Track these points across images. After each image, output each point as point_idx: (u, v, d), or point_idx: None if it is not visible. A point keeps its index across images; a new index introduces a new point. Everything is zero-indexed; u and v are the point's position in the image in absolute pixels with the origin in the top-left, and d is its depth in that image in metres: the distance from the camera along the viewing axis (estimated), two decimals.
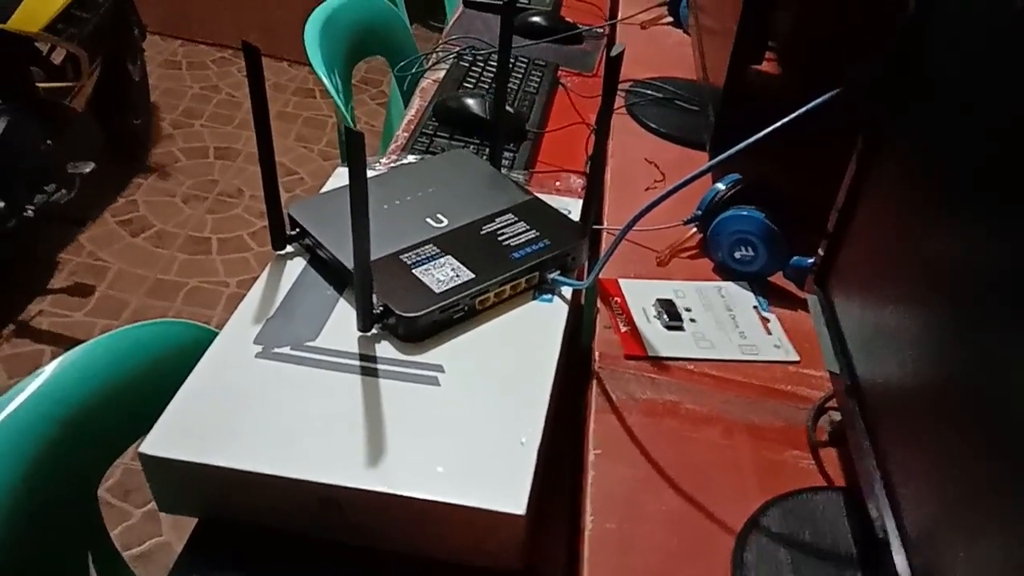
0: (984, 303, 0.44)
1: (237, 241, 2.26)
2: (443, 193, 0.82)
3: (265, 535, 0.60)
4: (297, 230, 0.78)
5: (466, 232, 0.77)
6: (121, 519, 1.54)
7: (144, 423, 0.60)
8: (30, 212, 1.83)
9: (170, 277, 2.12)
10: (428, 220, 0.78)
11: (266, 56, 3.18)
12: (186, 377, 0.64)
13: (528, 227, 0.77)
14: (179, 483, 0.60)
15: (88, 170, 1.98)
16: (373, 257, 0.67)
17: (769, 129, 0.59)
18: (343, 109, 1.23)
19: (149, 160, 2.53)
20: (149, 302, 2.03)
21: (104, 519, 0.75)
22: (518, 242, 0.75)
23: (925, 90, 0.56)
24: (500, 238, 0.76)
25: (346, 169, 0.66)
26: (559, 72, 1.33)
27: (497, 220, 0.78)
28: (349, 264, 0.66)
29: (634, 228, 0.88)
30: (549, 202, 0.82)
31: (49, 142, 1.92)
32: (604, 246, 0.91)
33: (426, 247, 0.74)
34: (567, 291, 0.75)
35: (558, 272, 0.75)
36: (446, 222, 0.77)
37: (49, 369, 0.66)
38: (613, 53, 0.67)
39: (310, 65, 1.24)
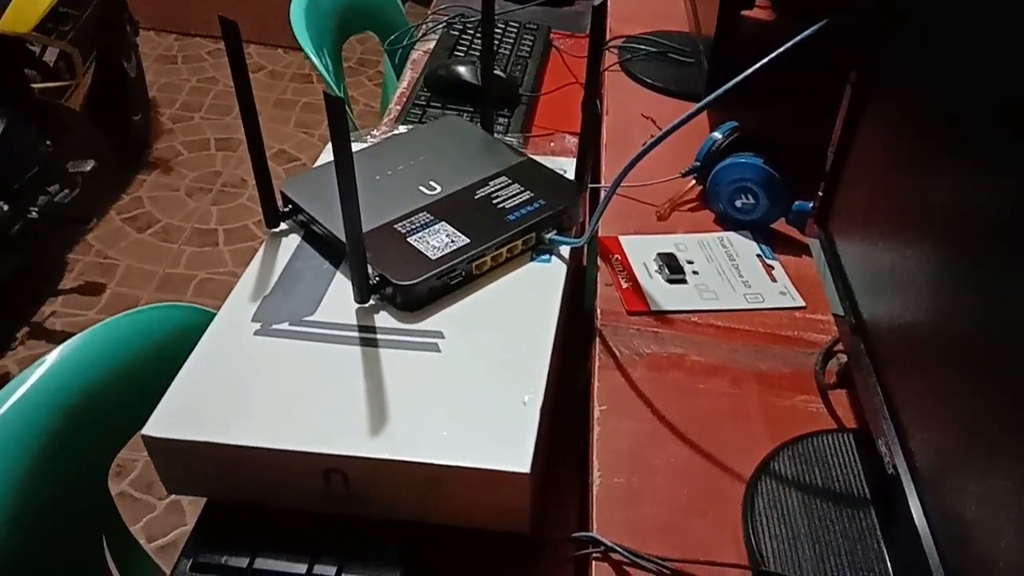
0: (985, 237, 0.43)
1: (243, 231, 2.26)
2: (435, 160, 0.81)
3: (271, 514, 0.60)
4: (290, 207, 0.77)
5: (460, 197, 0.76)
6: (145, 511, 1.55)
7: (150, 407, 0.60)
8: (34, 214, 1.83)
9: (179, 271, 2.13)
10: (421, 188, 0.77)
11: (260, 44, 3.16)
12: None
13: (522, 188, 0.76)
14: (184, 463, 0.60)
15: (89, 168, 1.98)
16: (367, 228, 0.66)
17: (756, 66, 0.58)
18: (332, 85, 1.22)
19: (151, 156, 2.53)
20: (159, 297, 2.04)
21: (128, 513, 0.76)
22: (513, 204, 0.75)
23: (917, 19, 0.54)
24: (495, 201, 0.75)
25: None
26: (551, 34, 1.31)
27: (491, 183, 0.77)
28: (343, 237, 0.65)
29: (633, 183, 0.87)
30: (544, 162, 0.81)
31: (48, 143, 1.92)
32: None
33: (420, 215, 0.73)
34: (565, 250, 0.74)
35: (555, 232, 0.74)
36: (439, 189, 0.77)
37: (50, 358, 0.66)
38: (596, 2, 0.66)
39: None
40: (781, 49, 0.56)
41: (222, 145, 2.59)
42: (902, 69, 0.56)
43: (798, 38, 0.56)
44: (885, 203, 0.58)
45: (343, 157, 0.58)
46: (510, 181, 0.77)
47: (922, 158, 0.52)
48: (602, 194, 0.91)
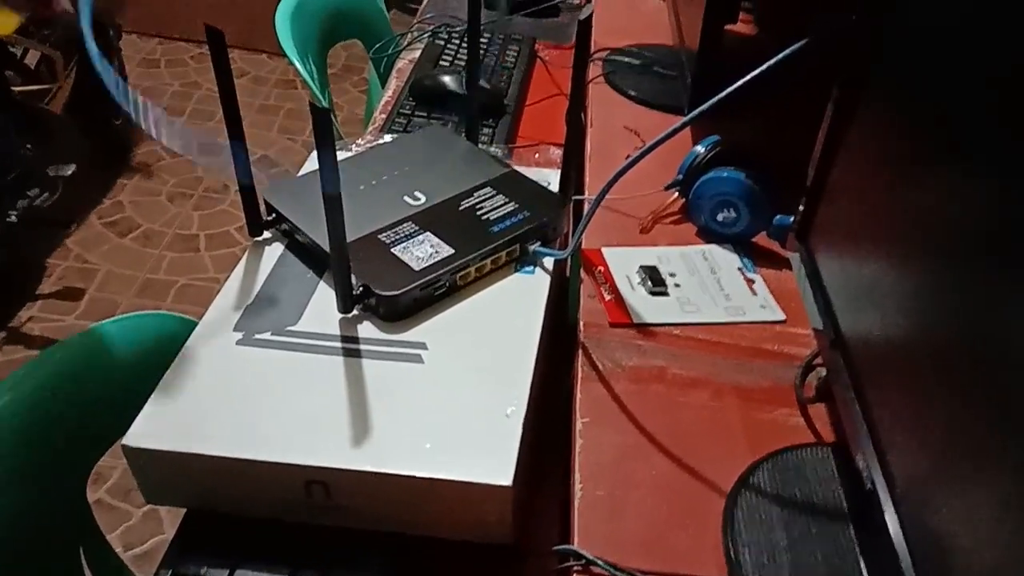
0: (964, 253, 0.44)
1: (224, 237, 2.25)
2: (420, 171, 0.81)
3: (253, 523, 0.60)
4: (273, 215, 0.77)
5: (444, 208, 0.76)
6: (122, 520, 1.53)
7: (130, 416, 0.59)
8: (13, 217, 1.82)
9: (159, 276, 2.11)
10: (405, 198, 0.77)
11: (244, 49, 3.14)
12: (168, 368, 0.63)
13: (507, 200, 0.77)
14: (164, 474, 0.60)
15: (70, 172, 1.96)
16: (350, 238, 0.66)
17: (739, 83, 0.58)
18: (317, 92, 1.22)
19: (132, 160, 2.51)
20: (139, 302, 2.02)
21: (105, 520, 0.75)
22: (497, 215, 0.75)
23: (899, 34, 0.55)
24: (479, 212, 0.75)
25: None
26: (536, 45, 1.32)
27: (475, 194, 0.77)
28: (326, 246, 0.65)
29: (616, 196, 0.87)
30: (528, 174, 0.81)
31: (29, 146, 1.91)
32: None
33: (404, 225, 0.73)
34: (549, 262, 0.74)
35: (539, 243, 0.75)
36: (424, 199, 0.77)
37: (29, 367, 0.66)
38: (582, 16, 0.66)
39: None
40: (764, 67, 0.56)
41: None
42: (884, 86, 0.57)
43: (780, 55, 0.57)
44: (865, 218, 0.58)
45: (328, 167, 0.58)
46: (494, 192, 0.78)
47: (902, 174, 0.53)
48: (586, 206, 0.91)
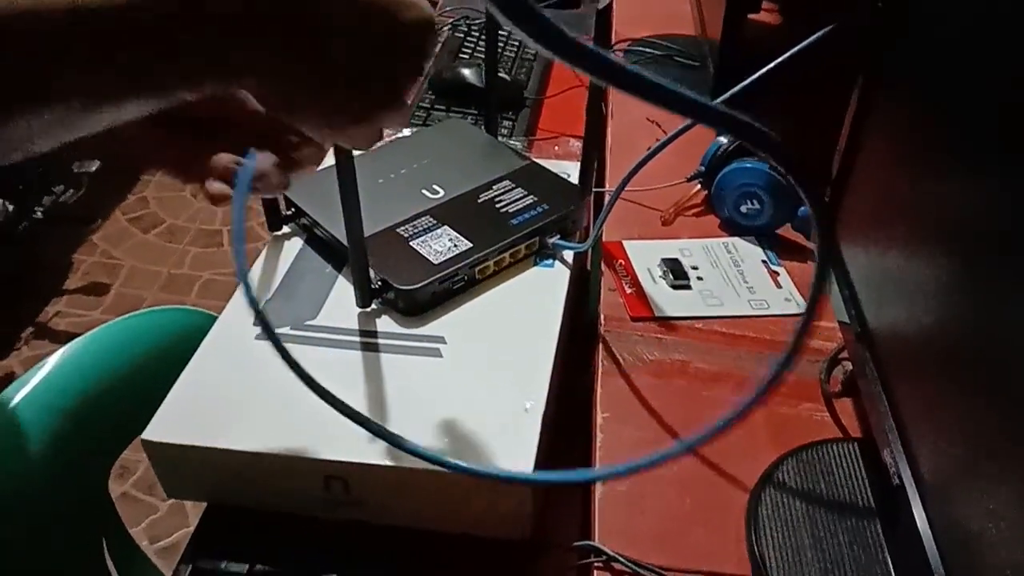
0: (993, 246, 0.42)
1: (248, 232, 2.26)
2: (439, 164, 0.80)
3: (272, 518, 0.60)
4: (292, 210, 0.77)
5: (463, 201, 0.75)
6: (148, 513, 1.55)
7: (151, 410, 0.59)
8: (39, 214, 1.84)
9: (183, 271, 2.13)
10: (424, 192, 0.76)
11: None
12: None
13: (526, 193, 0.76)
14: (184, 468, 0.60)
15: (94, 168, 1.98)
16: (369, 232, 0.66)
17: (762, 71, 0.57)
18: None
19: None
20: (164, 297, 2.04)
21: (131, 514, 0.76)
22: (516, 208, 0.74)
23: (925, 24, 0.53)
24: (498, 205, 0.75)
25: None
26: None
27: (494, 187, 0.77)
28: (345, 240, 0.65)
29: (638, 188, 0.86)
30: (548, 166, 0.81)
31: None
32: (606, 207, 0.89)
33: (423, 219, 0.73)
34: (569, 255, 0.74)
35: (559, 236, 0.74)
36: (442, 192, 0.76)
37: (53, 360, 0.66)
38: (600, 5, 0.65)
39: None
40: (786, 56, 0.55)
41: None
42: (909, 74, 0.55)
43: (803, 44, 0.56)
44: (893, 210, 0.57)
45: (345, 161, 0.58)
46: (514, 185, 0.77)
47: (931, 164, 0.51)
48: (606, 198, 0.90)
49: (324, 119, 0.45)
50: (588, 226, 0.79)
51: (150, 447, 0.59)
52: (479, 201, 0.75)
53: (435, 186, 0.77)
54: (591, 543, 0.56)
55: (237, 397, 0.61)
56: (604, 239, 0.83)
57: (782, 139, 0.30)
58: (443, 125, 0.90)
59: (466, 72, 1.10)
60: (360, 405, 0.60)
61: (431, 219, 0.73)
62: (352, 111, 0.44)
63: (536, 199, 0.75)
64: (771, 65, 0.58)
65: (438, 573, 0.59)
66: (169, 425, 0.59)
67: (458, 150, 0.83)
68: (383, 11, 0.41)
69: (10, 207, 1.76)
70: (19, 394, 0.63)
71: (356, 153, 0.59)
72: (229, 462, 0.58)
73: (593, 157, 0.76)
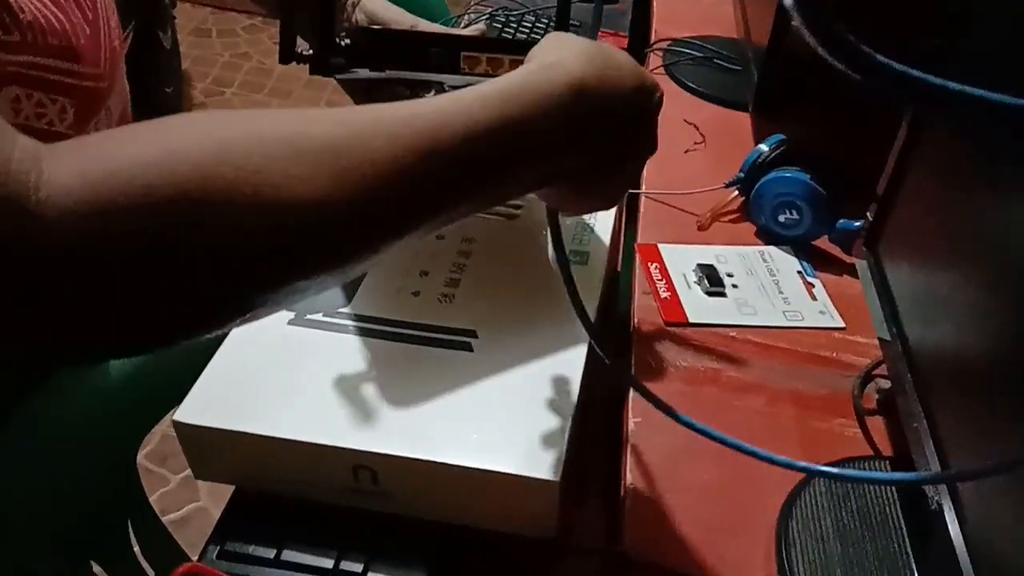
0: None
1: None
2: None
3: (299, 504, 0.60)
4: None
5: None
6: (159, 485, 1.55)
7: (180, 392, 0.59)
8: None
9: None
10: None
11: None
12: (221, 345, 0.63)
13: None
14: (213, 451, 0.60)
15: None
16: None
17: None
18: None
19: None
20: None
21: (142, 484, 0.76)
22: None
23: (978, 54, 0.52)
24: None
25: None
26: (598, 35, 1.29)
27: None
28: None
29: (674, 191, 0.86)
30: None
31: None
32: (642, 209, 0.89)
33: None
34: (602, 255, 0.73)
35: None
36: None
37: None
38: None
39: None
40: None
41: None
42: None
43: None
44: (940, 229, 0.56)
45: None
46: None
47: (981, 184, 0.51)
48: (641, 198, 0.90)
49: (588, 210, 0.52)
50: (619, 216, 0.78)
51: (181, 428, 0.58)
52: None
53: None
54: (619, 549, 0.56)
55: (269, 382, 0.61)
56: (639, 241, 0.83)
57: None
58: None
59: None
60: (390, 396, 0.60)
61: None
62: (615, 200, 0.51)
63: None
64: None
65: (463, 568, 0.59)
66: (200, 407, 0.59)
67: None
68: (645, 109, 0.47)
69: None
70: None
71: None
72: (257, 447, 0.58)
73: None
